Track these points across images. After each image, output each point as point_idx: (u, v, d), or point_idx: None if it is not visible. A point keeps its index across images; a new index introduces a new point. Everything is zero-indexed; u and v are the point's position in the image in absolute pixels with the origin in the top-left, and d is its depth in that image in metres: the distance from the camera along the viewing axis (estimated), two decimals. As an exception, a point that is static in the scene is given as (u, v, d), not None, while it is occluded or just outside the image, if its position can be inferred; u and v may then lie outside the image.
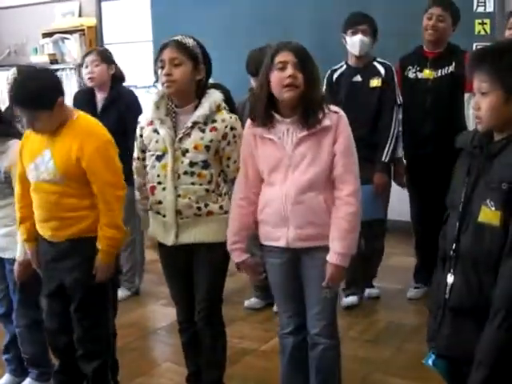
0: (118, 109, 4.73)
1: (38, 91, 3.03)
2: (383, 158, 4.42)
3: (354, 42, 4.45)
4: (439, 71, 4.50)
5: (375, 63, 4.52)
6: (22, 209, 3.24)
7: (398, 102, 4.49)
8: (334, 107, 2.85)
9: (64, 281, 3.19)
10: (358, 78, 4.51)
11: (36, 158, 3.11)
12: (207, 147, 3.03)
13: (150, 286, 5.28)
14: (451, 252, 2.18)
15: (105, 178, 3.09)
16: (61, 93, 3.11)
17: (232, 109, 3.24)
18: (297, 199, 2.81)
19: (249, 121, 2.94)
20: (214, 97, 3.09)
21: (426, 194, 4.59)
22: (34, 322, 3.59)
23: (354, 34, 4.45)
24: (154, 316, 5.04)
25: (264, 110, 2.83)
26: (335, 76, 4.56)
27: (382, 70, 4.47)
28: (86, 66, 4.85)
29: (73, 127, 3.11)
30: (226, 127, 3.04)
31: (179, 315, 3.37)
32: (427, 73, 4.52)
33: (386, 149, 4.41)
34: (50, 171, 3.07)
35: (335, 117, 2.81)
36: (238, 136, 3.05)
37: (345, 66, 4.58)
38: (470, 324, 2.13)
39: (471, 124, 4.42)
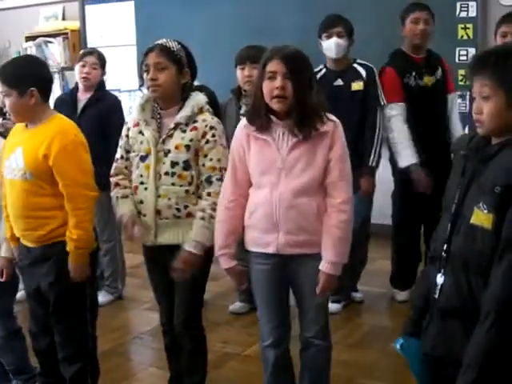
0: (99, 109, 4.74)
1: (17, 70, 3.10)
2: (370, 163, 4.40)
3: (330, 46, 4.41)
4: (434, 76, 4.53)
5: (355, 65, 4.47)
6: (6, 208, 3.23)
7: (382, 104, 4.46)
8: (331, 116, 2.84)
9: (40, 285, 3.19)
10: (340, 82, 4.46)
11: (11, 154, 3.11)
12: (187, 146, 3.04)
13: (133, 291, 5.26)
14: (442, 253, 2.18)
15: (72, 176, 3.07)
16: (40, 87, 3.09)
17: (216, 111, 3.24)
18: (289, 203, 2.79)
19: (243, 121, 2.93)
20: (197, 99, 3.11)
21: (425, 199, 4.50)
22: (11, 332, 3.60)
23: (328, 37, 4.41)
24: (137, 320, 5.02)
25: (260, 113, 2.81)
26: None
27: (363, 73, 4.43)
28: (84, 65, 4.85)
29: (46, 126, 3.11)
30: (205, 126, 3.05)
31: (162, 316, 3.38)
32: (426, 79, 4.51)
33: (373, 153, 4.39)
34: (19, 168, 3.06)
35: (331, 124, 2.81)
36: (217, 136, 3.06)
37: (324, 70, 4.51)
38: (457, 325, 2.13)
39: (453, 124, 4.50)
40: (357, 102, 4.43)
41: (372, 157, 4.39)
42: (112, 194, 3.22)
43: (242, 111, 4.43)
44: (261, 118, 2.80)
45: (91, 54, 4.95)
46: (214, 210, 3.01)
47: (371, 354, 4.07)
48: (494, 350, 2.01)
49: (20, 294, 3.75)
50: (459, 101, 5.40)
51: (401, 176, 4.61)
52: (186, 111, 3.07)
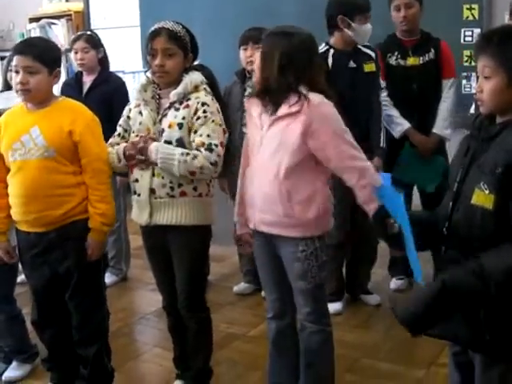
0: (103, 91, 4.77)
1: (46, 46, 3.19)
2: (381, 144, 4.33)
3: (366, 31, 4.20)
4: (421, 58, 4.47)
5: (360, 47, 4.32)
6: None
7: (382, 86, 4.44)
8: (313, 95, 2.80)
9: (57, 270, 3.18)
10: (353, 64, 4.28)
11: (22, 136, 3.08)
12: (180, 124, 3.04)
13: (138, 272, 5.28)
14: (444, 230, 2.19)
15: (97, 152, 3.13)
16: (60, 67, 3.16)
17: (215, 91, 3.23)
18: (260, 182, 2.87)
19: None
20: (192, 77, 3.10)
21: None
22: (10, 317, 3.63)
23: (363, 21, 4.17)
24: (142, 301, 5.05)
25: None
26: (329, 61, 4.21)
27: (372, 54, 4.33)
28: (76, 52, 4.88)
29: (60, 106, 3.15)
30: (198, 103, 3.05)
31: (163, 299, 3.40)
32: (411, 60, 4.47)
33: (382, 133, 4.35)
34: (39, 146, 3.05)
35: (306, 104, 2.78)
36: (209, 112, 3.04)
37: (332, 50, 4.25)
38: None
39: (444, 107, 4.48)
40: (369, 84, 4.32)
41: (382, 137, 4.35)
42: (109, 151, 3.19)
43: (246, 93, 4.43)
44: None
45: (78, 39, 4.96)
46: (194, 158, 2.96)
47: (376, 334, 4.09)
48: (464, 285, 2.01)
49: (21, 277, 3.75)
50: (464, 82, 5.38)
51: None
52: (179, 89, 3.06)
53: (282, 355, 3.15)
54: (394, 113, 4.49)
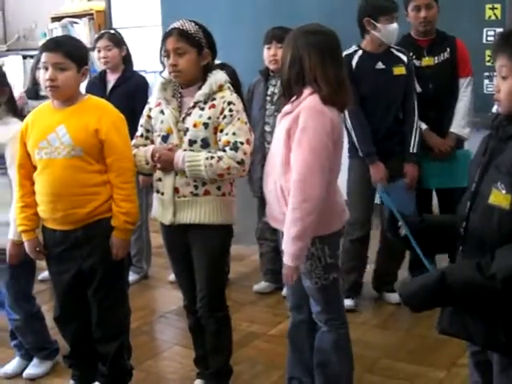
0: (127, 89, 4.78)
1: (78, 46, 3.22)
2: (412, 150, 4.29)
3: (391, 31, 4.20)
4: (437, 58, 4.43)
5: (393, 50, 4.30)
6: (24, 197, 3.22)
7: (417, 91, 4.37)
8: (309, 97, 2.78)
9: (81, 267, 3.21)
10: (381, 65, 4.27)
11: (48, 134, 3.10)
12: (205, 124, 3.04)
13: (159, 270, 5.30)
14: (461, 230, 2.18)
15: (122, 151, 3.14)
16: (87, 66, 3.19)
17: (237, 89, 3.23)
18: (267, 179, 2.95)
19: None
20: (217, 77, 3.10)
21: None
22: (30, 315, 3.65)
23: (389, 21, 4.17)
24: (163, 299, 5.06)
25: None
26: (354, 62, 4.25)
27: (403, 57, 4.28)
28: (99, 51, 4.90)
29: (86, 104, 3.18)
30: (223, 102, 3.05)
31: (184, 298, 3.40)
32: (426, 60, 4.43)
33: (413, 138, 4.28)
34: (65, 145, 3.07)
35: (297, 103, 2.80)
36: (235, 111, 3.04)
37: (361, 52, 4.29)
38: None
39: (461, 106, 4.42)
40: (400, 87, 4.29)
41: (413, 142, 4.28)
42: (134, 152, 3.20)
43: (269, 92, 4.43)
44: None
45: (101, 38, 4.99)
46: (219, 160, 2.98)
47: (396, 334, 4.08)
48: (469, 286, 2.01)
49: (42, 275, 3.77)
50: (486, 82, 5.35)
51: None
52: (204, 89, 3.06)
53: (295, 349, 3.18)
54: None
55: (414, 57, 4.42)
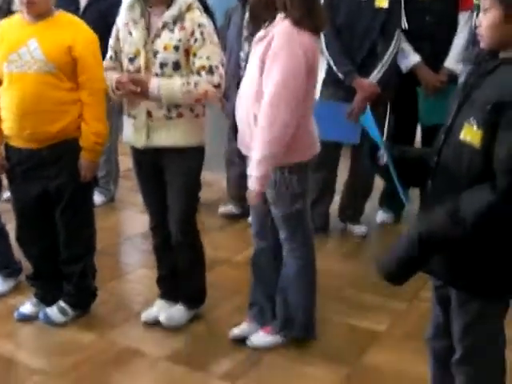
0: (101, 8, 4.61)
1: None
2: (373, 78, 4.15)
3: None
4: None
5: None
6: None
7: (403, 27, 4.25)
8: (279, 18, 2.75)
9: (47, 187, 3.17)
10: None
11: (19, 48, 3.02)
12: (176, 47, 2.98)
13: (126, 194, 5.26)
14: (433, 164, 2.16)
15: (94, 70, 3.09)
16: None
17: (206, 8, 3.15)
18: (241, 106, 2.91)
19: None
20: None
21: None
22: None
23: None
24: (129, 222, 5.05)
25: None
26: None
27: None
28: None
29: (60, 20, 3.10)
30: (194, 24, 2.98)
31: (151, 220, 3.39)
32: None
33: (376, 71, 4.14)
34: (36, 59, 3.00)
35: (270, 28, 2.76)
36: (206, 33, 2.99)
37: None
38: None
39: (459, 41, 4.31)
40: (379, 21, 4.14)
41: (376, 72, 4.15)
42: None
43: (246, 17, 4.32)
44: None
45: None
46: (196, 85, 2.95)
47: (361, 266, 4.09)
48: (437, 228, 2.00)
49: (6, 195, 3.73)
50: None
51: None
52: (173, 10, 2.99)
53: (258, 276, 3.20)
54: (406, 46, 4.32)
55: None
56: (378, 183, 4.45)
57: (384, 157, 2.29)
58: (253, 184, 2.78)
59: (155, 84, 2.95)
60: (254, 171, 2.76)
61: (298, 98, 2.72)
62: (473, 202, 1.94)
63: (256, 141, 2.74)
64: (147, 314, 3.41)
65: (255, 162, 2.74)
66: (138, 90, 2.95)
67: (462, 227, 1.95)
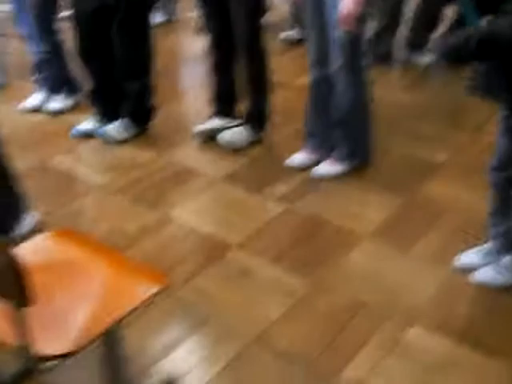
0: None
1: None
2: None
3: None
4: None
5: None
6: None
7: None
8: None
9: (106, 1, 3.15)
10: None
11: None
12: None
13: (183, 15, 5.15)
14: None
15: None
16: None
17: None
18: None
19: None
20: None
21: None
22: (54, 47, 3.65)
23: None
24: (188, 43, 4.97)
25: None
26: None
27: None
28: None
29: None
30: None
31: (213, 37, 3.33)
32: None
33: None
34: None
35: None
36: None
37: None
38: None
39: None
40: None
41: None
42: None
43: None
44: None
45: None
46: None
47: (422, 96, 3.98)
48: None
49: (65, 12, 3.71)
50: None
51: None
52: None
53: (315, 105, 3.14)
54: None
55: None
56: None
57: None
58: (349, 3, 2.65)
59: None
60: None
61: None
62: None
63: None
64: (203, 127, 3.43)
65: None
66: None
67: None
